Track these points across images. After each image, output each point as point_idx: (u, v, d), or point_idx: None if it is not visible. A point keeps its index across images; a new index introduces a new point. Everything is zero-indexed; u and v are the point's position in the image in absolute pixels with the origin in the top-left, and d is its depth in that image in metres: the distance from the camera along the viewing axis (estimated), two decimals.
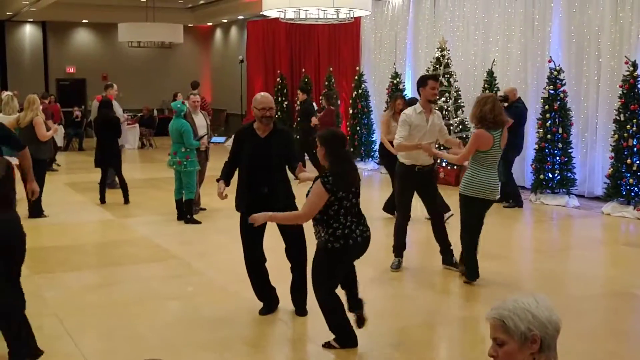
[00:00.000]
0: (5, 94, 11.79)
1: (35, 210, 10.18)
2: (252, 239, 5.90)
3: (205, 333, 5.57)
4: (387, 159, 9.85)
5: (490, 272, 6.94)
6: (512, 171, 11.22)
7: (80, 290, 6.68)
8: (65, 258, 8.04)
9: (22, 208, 10.91)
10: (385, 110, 10.54)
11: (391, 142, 8.75)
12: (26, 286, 6.70)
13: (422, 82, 7.13)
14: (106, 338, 5.46)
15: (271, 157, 5.59)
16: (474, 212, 6.57)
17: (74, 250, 8.46)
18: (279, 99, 19.97)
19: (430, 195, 7.36)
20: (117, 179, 11.88)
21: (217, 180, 5.92)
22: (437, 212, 7.41)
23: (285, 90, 20.06)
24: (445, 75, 13.52)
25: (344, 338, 5.16)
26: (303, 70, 19.24)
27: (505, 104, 10.50)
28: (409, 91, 15.63)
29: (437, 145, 7.79)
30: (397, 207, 7.48)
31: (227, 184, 5.92)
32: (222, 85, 25.86)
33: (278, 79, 20.16)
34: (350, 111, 16.77)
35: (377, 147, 16.30)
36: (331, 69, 17.94)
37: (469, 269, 6.73)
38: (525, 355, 2.30)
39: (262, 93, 5.94)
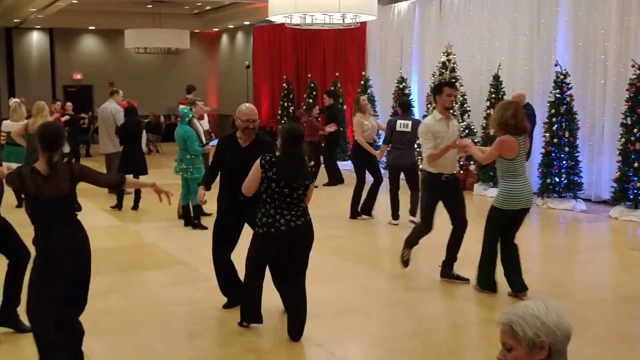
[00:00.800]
0: (13, 100, 11.84)
1: None
2: (222, 240, 6.17)
3: (215, 340, 5.56)
4: (360, 158, 10.47)
5: (498, 277, 6.91)
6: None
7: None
8: None
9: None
10: (356, 113, 10.61)
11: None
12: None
13: (437, 90, 7.04)
14: (114, 345, 5.46)
15: (249, 167, 5.52)
16: (503, 224, 6.40)
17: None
18: (285, 104, 19.98)
19: (456, 204, 7.06)
20: None
21: (198, 185, 6.47)
22: (461, 222, 7.06)
23: (291, 96, 20.07)
24: (451, 80, 13.49)
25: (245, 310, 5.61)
26: (309, 75, 19.24)
27: None
28: (415, 95, 15.64)
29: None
30: (422, 217, 7.24)
31: (208, 188, 6.35)
32: (229, 91, 25.90)
33: (284, 84, 20.17)
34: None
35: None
36: (337, 74, 17.94)
37: (487, 280, 6.59)
38: (540, 357, 2.29)
39: (247, 104, 6.16)
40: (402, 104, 10.16)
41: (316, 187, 13.93)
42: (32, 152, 10.26)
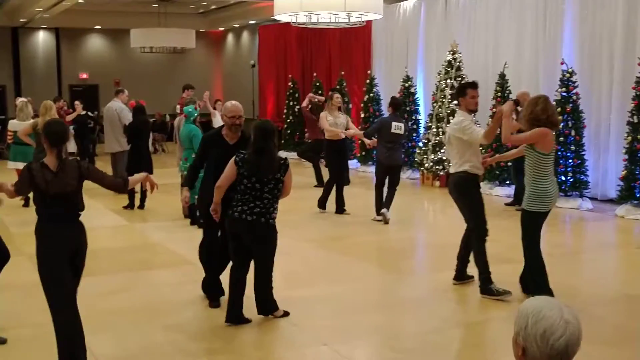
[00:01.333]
0: (20, 100, 11.87)
1: None
2: (213, 236, 6.32)
3: (220, 339, 5.56)
4: (330, 156, 10.94)
5: (504, 275, 6.89)
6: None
7: (94, 297, 6.68)
8: None
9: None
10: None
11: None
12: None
13: (461, 92, 6.69)
14: (121, 345, 5.47)
15: None
16: (539, 226, 6.17)
17: (87, 256, 8.43)
18: (291, 103, 19.98)
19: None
20: None
21: (182, 186, 6.64)
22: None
23: (296, 95, 20.06)
24: (457, 79, 13.49)
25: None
26: (314, 74, 19.23)
27: (519, 108, 10.48)
28: (421, 94, 15.63)
29: None
30: (474, 225, 6.54)
31: (192, 187, 6.53)
32: (234, 90, 25.89)
33: (290, 83, 20.16)
34: (362, 115, 16.75)
35: None
36: (342, 73, 17.93)
37: (539, 286, 6.08)
38: (516, 353, 2.35)
39: (233, 102, 6.29)
40: (394, 104, 10.18)
41: (316, 186, 14.06)
42: (41, 150, 10.32)
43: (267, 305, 5.91)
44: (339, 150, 10.86)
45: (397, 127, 9.90)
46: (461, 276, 6.90)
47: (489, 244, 6.64)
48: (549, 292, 5.98)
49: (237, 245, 5.74)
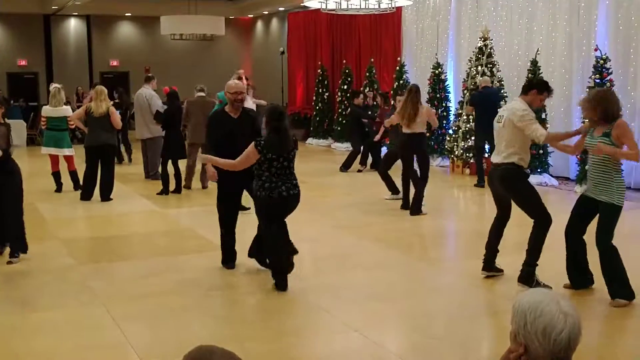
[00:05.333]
0: (53, 86, 12.00)
1: (106, 194, 10.95)
2: (229, 207, 6.98)
3: (252, 324, 5.59)
4: None
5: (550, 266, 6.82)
6: (556, 162, 11.12)
7: (127, 281, 6.76)
8: (111, 248, 8.15)
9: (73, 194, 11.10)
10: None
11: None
12: (72, 276, 6.86)
13: (540, 88, 6.30)
14: (153, 328, 5.51)
15: (244, 135, 6.58)
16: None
17: (119, 241, 8.57)
18: (320, 90, 19.96)
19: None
20: (160, 169, 12.00)
21: (204, 166, 7.62)
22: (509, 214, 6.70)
23: (326, 82, 20.04)
24: (488, 65, 13.36)
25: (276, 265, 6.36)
26: (344, 61, 19.19)
27: None
28: (451, 81, 15.51)
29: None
30: (537, 216, 6.28)
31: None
32: (264, 77, 25.93)
33: (319, 70, 20.14)
34: (391, 102, 16.66)
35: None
36: (372, 59, 17.86)
37: (628, 288, 5.83)
38: (516, 351, 2.32)
39: (235, 80, 7.09)
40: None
41: (360, 171, 14.08)
42: (102, 132, 10.51)
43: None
44: None
45: None
46: (489, 267, 6.72)
47: (518, 229, 6.59)
48: (630, 290, 5.82)
49: (279, 220, 6.35)
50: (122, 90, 17.76)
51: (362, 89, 16.95)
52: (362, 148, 14.41)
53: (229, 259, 7.08)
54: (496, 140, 6.46)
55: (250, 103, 10.68)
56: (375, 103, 14.92)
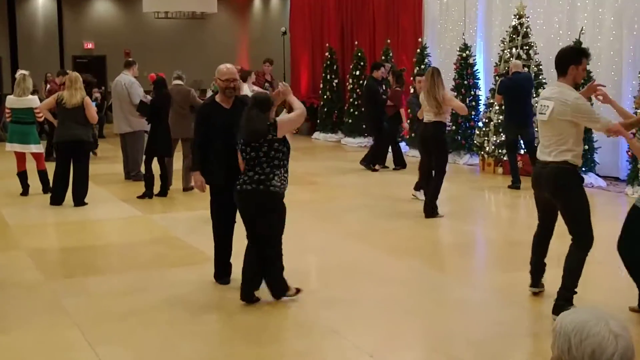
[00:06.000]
0: (19, 72, 12.07)
1: (79, 197, 10.97)
2: (224, 215, 6.92)
3: (249, 347, 5.61)
4: None
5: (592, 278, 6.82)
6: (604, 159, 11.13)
7: (104, 298, 6.79)
8: (86, 261, 8.19)
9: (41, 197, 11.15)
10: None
11: None
12: (41, 292, 6.90)
13: (574, 58, 6.12)
14: (134, 352, 5.54)
15: (237, 128, 6.43)
16: None
17: (95, 252, 8.61)
18: (328, 76, 20.00)
19: None
20: (142, 169, 12.04)
21: (192, 171, 7.07)
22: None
23: (335, 67, 20.07)
24: (524, 47, 13.37)
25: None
26: (356, 43, 19.23)
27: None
28: (480, 66, 15.52)
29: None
30: (577, 232, 6.16)
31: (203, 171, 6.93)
32: (262, 62, 25.99)
33: (327, 54, 20.17)
34: (411, 90, 16.68)
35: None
36: (389, 41, 17.88)
37: None
38: None
39: (227, 64, 6.91)
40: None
41: (375, 170, 14.11)
42: (74, 126, 10.57)
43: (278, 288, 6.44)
44: None
45: None
46: (536, 283, 6.63)
47: (561, 240, 6.57)
48: None
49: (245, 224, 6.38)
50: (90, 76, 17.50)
51: (383, 60, 17.06)
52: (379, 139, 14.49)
53: (223, 273, 7.10)
54: (541, 135, 6.27)
55: (246, 89, 10.68)
56: (385, 78, 15.01)
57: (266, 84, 15.26)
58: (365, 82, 16.18)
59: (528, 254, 6.70)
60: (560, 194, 6.11)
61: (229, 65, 6.92)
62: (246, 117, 6.17)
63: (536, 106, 6.43)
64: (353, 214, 10.39)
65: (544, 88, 13.15)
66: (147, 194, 11.51)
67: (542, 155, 6.20)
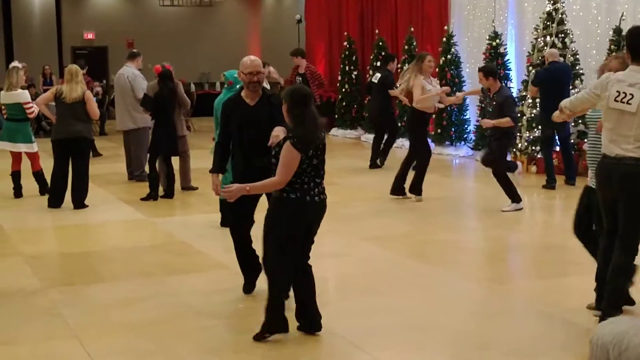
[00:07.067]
0: (13, 65, 12.09)
1: (79, 199, 11.00)
2: (241, 213, 6.81)
3: (259, 359, 5.63)
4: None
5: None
6: None
7: (106, 307, 6.81)
8: (86, 267, 8.23)
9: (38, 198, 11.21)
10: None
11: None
12: (39, 301, 6.93)
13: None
14: None
15: (262, 127, 6.33)
16: None
17: (96, 258, 8.64)
18: (347, 67, 19.97)
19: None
20: (146, 169, 12.05)
21: (211, 172, 6.86)
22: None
23: (354, 57, 20.04)
24: (559, 35, 13.31)
25: (275, 320, 5.81)
26: (376, 31, 19.19)
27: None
28: (512, 55, 15.46)
29: None
30: (631, 240, 6.07)
31: (223, 172, 7.00)
32: (275, 52, 25.90)
33: (345, 43, 20.14)
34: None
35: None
36: (412, 29, 17.83)
37: None
38: None
39: (251, 56, 6.81)
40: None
41: (377, 166, 14.15)
42: (74, 122, 10.63)
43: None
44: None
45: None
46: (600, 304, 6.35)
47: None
48: None
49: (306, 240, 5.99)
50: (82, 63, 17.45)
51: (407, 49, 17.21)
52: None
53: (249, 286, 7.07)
54: (620, 127, 5.99)
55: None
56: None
57: (298, 79, 15.30)
58: (373, 74, 16.25)
59: (564, 260, 6.70)
60: (637, 195, 5.94)
61: (253, 57, 6.81)
62: (311, 116, 5.72)
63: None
64: (373, 217, 10.37)
65: (581, 79, 13.12)
66: (152, 196, 11.50)
67: (617, 149, 5.93)
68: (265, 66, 11.65)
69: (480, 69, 10.76)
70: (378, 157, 14.58)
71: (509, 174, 10.58)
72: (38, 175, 11.82)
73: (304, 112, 5.68)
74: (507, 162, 11.02)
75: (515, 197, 10.49)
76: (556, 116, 6.57)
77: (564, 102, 6.35)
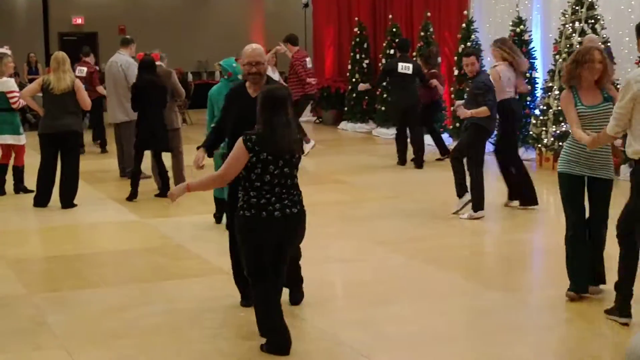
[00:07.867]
0: (1, 51, 12.10)
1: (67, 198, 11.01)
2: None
3: None
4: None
5: None
6: None
7: (95, 315, 6.83)
8: (74, 272, 8.25)
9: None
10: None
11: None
12: (23, 309, 6.95)
13: None
14: None
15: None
16: None
17: (85, 262, 8.65)
18: (357, 56, 19.97)
19: None
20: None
21: (198, 148, 7.02)
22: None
23: (365, 45, 20.04)
24: (589, 21, 13.29)
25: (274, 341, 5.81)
26: (390, 16, 19.19)
27: None
28: (537, 43, 15.45)
29: None
30: None
31: (210, 154, 7.14)
32: (280, 38, 25.89)
33: (356, 29, 20.15)
34: (455, 72, 16.65)
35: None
36: (429, 14, 17.83)
37: None
38: None
39: (253, 45, 6.76)
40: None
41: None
42: (63, 115, 10.64)
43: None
44: None
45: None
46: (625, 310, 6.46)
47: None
48: None
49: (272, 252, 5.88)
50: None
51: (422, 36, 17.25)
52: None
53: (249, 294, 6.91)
54: None
55: (276, 76, 10.71)
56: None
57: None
58: (391, 63, 16.17)
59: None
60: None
61: (255, 45, 6.75)
62: (284, 123, 5.72)
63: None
64: (386, 218, 10.37)
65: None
66: (132, 194, 11.48)
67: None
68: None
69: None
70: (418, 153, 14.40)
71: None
72: (18, 170, 11.80)
73: (272, 118, 5.67)
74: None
75: (461, 191, 10.32)
76: (592, 142, 6.56)
77: (611, 131, 6.31)
